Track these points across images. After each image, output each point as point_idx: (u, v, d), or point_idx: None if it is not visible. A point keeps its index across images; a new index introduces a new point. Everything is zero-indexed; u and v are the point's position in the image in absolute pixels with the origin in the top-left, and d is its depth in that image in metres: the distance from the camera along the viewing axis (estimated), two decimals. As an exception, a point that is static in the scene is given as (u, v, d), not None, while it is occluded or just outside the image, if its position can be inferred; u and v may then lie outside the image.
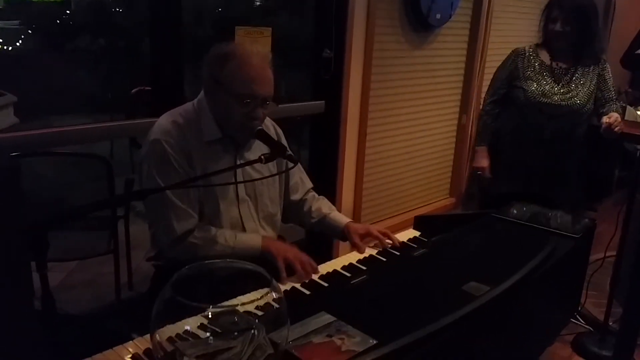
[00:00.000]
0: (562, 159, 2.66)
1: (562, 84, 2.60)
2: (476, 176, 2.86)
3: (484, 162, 2.78)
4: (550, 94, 2.59)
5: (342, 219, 1.95)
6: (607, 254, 2.77)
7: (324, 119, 2.99)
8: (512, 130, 2.71)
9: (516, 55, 2.70)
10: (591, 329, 2.80)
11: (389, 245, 1.81)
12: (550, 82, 2.61)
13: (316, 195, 2.03)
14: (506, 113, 2.74)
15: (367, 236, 1.85)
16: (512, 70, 2.69)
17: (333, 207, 2.01)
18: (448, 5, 3.31)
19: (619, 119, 2.44)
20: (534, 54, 2.67)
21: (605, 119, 2.45)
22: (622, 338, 2.50)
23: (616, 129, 2.40)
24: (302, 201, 1.99)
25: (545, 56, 2.66)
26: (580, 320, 2.85)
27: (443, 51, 3.53)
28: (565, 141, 2.63)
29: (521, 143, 2.68)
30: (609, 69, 2.66)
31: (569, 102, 2.58)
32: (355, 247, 1.81)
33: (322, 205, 1.98)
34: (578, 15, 2.51)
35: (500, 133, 2.76)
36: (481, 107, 2.91)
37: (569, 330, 2.70)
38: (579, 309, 2.85)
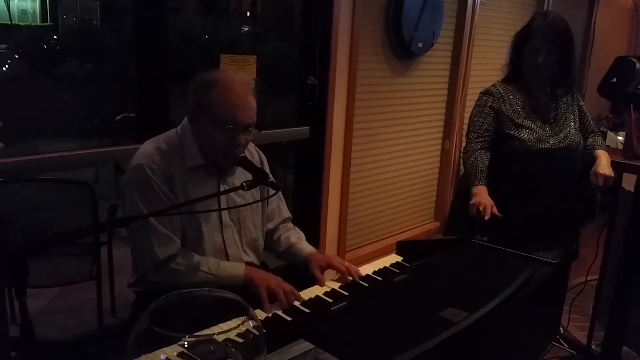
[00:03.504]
0: (565, 199, 2.53)
1: (551, 124, 2.46)
2: (475, 216, 2.24)
3: (485, 200, 2.24)
4: (545, 138, 2.42)
5: (306, 248, 1.89)
6: (589, 278, 2.80)
7: (308, 145, 3.03)
8: (512, 181, 2.45)
9: (493, 98, 2.44)
10: (574, 352, 2.81)
11: (350, 280, 1.70)
12: (540, 124, 2.44)
13: (290, 225, 2.01)
14: (501, 164, 2.46)
15: (328, 268, 1.77)
16: (495, 117, 2.43)
17: (302, 237, 1.96)
18: (430, 34, 3.39)
19: (606, 173, 2.36)
20: (510, 95, 2.45)
21: (593, 179, 2.37)
22: (604, 362, 2.53)
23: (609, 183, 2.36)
24: (275, 229, 1.98)
25: (520, 93, 2.46)
26: (564, 343, 2.86)
27: (426, 78, 3.60)
28: (566, 182, 2.51)
29: (523, 193, 2.45)
30: (581, 99, 2.60)
31: (566, 143, 2.44)
32: (317, 281, 1.72)
33: (291, 234, 1.95)
34: (560, 43, 2.36)
35: (497, 184, 2.38)
36: (463, 148, 2.56)
37: (552, 354, 2.71)
38: (562, 332, 2.87)
